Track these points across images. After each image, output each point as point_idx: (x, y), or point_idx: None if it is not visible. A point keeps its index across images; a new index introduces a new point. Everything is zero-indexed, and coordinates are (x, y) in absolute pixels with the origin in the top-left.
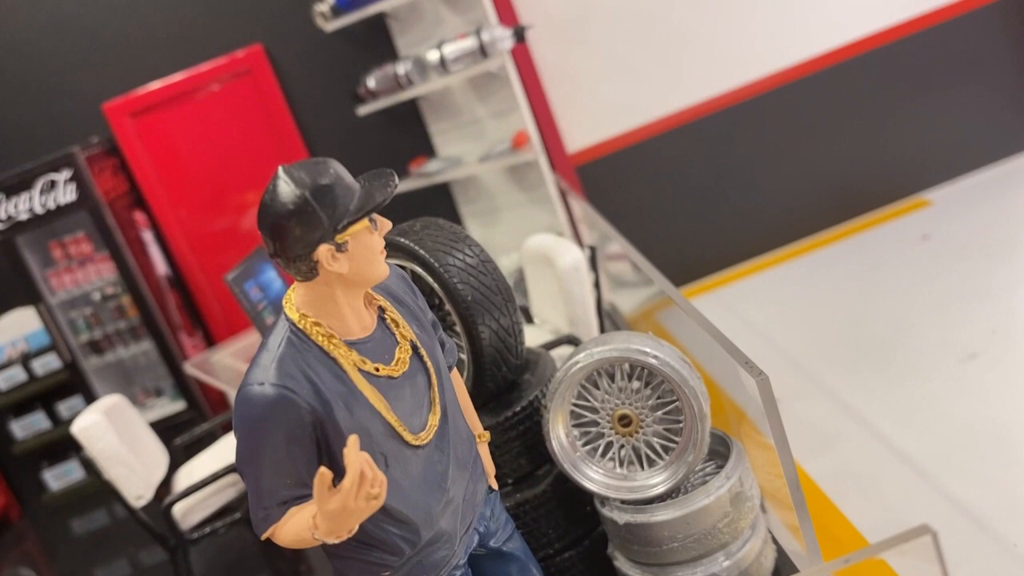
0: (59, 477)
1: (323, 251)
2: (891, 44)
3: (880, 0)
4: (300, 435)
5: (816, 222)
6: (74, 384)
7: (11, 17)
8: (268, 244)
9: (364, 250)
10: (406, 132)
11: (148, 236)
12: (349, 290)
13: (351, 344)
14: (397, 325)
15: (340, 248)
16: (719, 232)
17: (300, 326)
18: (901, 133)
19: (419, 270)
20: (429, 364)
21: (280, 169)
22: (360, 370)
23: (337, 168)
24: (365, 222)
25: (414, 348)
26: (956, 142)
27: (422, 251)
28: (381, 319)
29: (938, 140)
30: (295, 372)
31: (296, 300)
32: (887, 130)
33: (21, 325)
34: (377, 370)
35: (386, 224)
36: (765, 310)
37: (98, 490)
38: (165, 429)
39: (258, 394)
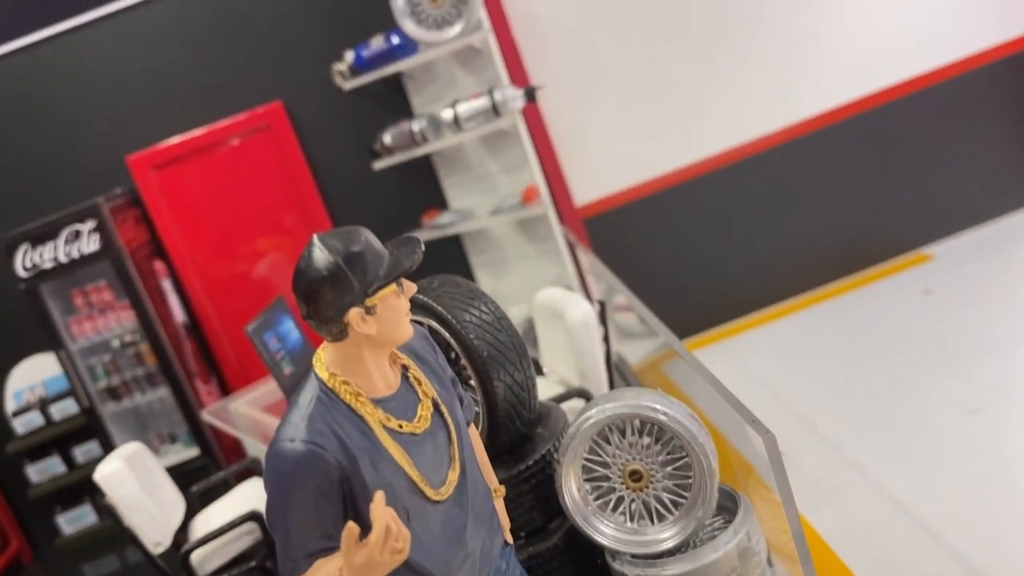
0: (72, 521)
1: (353, 314)
2: (892, 102)
3: (881, 60)
4: (328, 490)
5: (820, 276)
6: (90, 429)
7: (42, 73)
8: (302, 307)
9: (391, 312)
10: (420, 186)
11: (167, 284)
12: (376, 350)
13: (377, 402)
14: (419, 383)
15: (369, 311)
16: (724, 285)
17: (329, 385)
18: (903, 189)
19: (436, 325)
20: (449, 421)
21: (315, 237)
22: (385, 427)
23: (368, 236)
24: (393, 286)
25: (435, 405)
26: (957, 198)
27: (440, 308)
28: (404, 377)
29: (939, 196)
30: (324, 429)
31: (326, 359)
32: (889, 186)
33: (40, 370)
34: (401, 427)
35: (412, 287)
36: (770, 362)
37: (111, 535)
38: (179, 475)
39: (289, 450)
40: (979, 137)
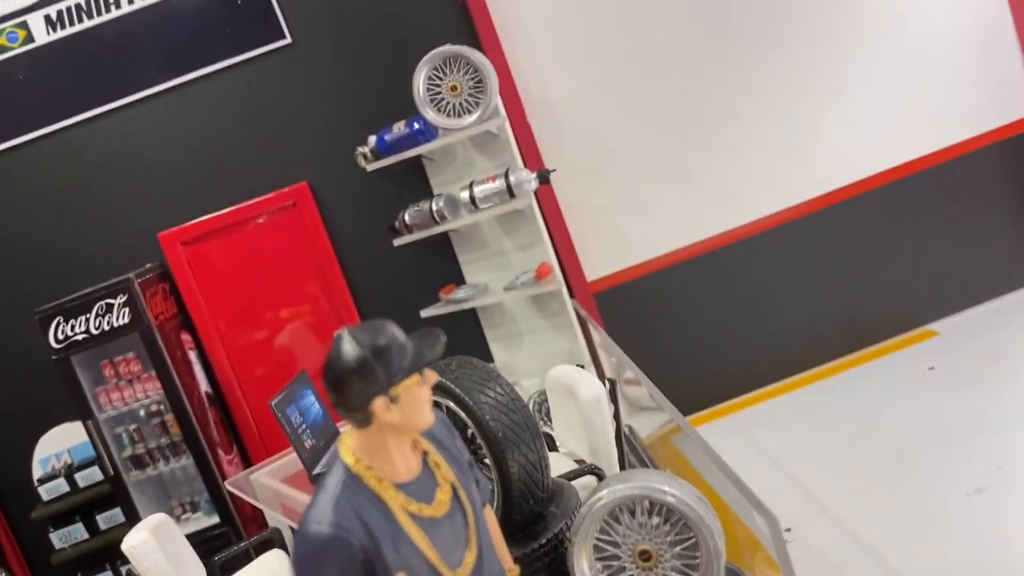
0: None
1: (379, 403)
2: (895, 182)
3: (884, 141)
4: (352, 571)
5: (825, 351)
6: (114, 497)
7: (79, 155)
8: (331, 395)
9: (414, 401)
10: (438, 261)
11: (193, 356)
12: (399, 437)
13: (399, 487)
14: (439, 467)
15: (393, 400)
16: (732, 359)
17: (355, 470)
18: (907, 266)
19: (454, 406)
20: (467, 504)
21: (345, 331)
22: (406, 511)
23: (393, 330)
24: (416, 377)
25: (453, 490)
26: (960, 276)
27: (457, 389)
28: (424, 462)
29: (943, 273)
30: (349, 513)
31: (351, 445)
32: (893, 263)
33: (68, 438)
34: (421, 511)
35: (433, 377)
36: (777, 436)
37: None
38: (200, 543)
39: (316, 532)
40: (982, 216)
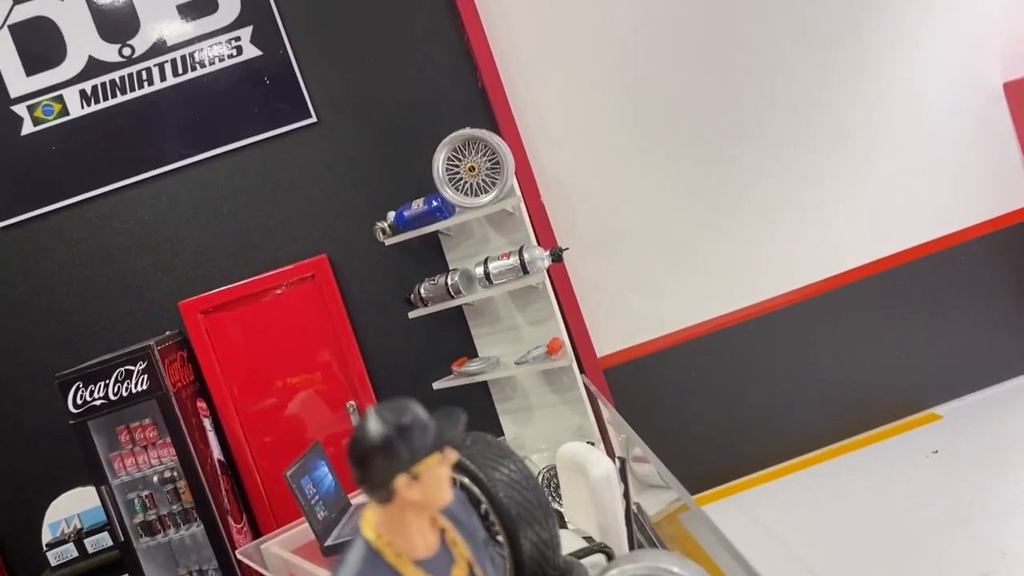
0: None
1: (401, 481)
2: (900, 266)
3: (889, 225)
4: None
5: (831, 433)
6: (123, 563)
7: (106, 224)
8: (355, 472)
9: (435, 479)
10: (451, 334)
11: (207, 423)
12: (418, 514)
13: (417, 563)
14: (456, 545)
15: (415, 478)
16: (739, 438)
17: (375, 546)
18: (912, 349)
19: (468, 482)
20: None
21: (370, 409)
22: None
23: (417, 409)
24: (437, 456)
25: (469, 567)
26: (964, 360)
27: (472, 465)
28: (442, 539)
29: (947, 357)
30: None
31: (373, 520)
32: (898, 346)
33: (79, 502)
34: None
35: (453, 456)
36: (783, 517)
37: None
38: None
39: None
40: (985, 302)
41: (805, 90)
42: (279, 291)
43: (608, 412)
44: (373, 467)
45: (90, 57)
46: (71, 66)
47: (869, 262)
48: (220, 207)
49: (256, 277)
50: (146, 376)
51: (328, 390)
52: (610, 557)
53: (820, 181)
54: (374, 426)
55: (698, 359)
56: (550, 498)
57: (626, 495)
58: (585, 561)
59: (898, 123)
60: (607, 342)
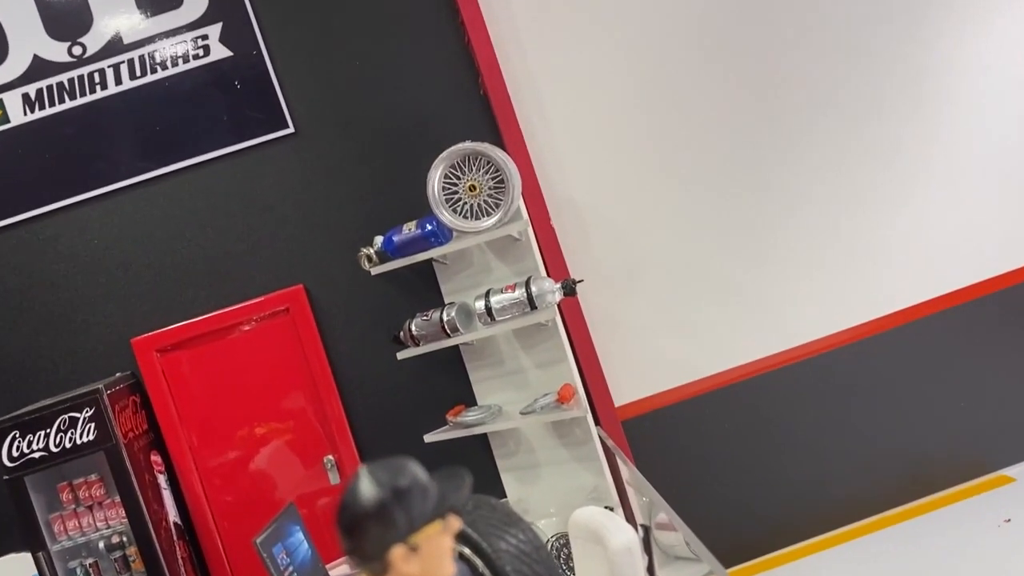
0: None
1: (397, 552)
2: (962, 306)
3: (950, 260)
4: None
5: (884, 498)
6: None
7: (50, 248)
8: (344, 541)
9: (435, 551)
10: (446, 378)
11: (162, 480)
12: None
13: None
14: None
15: (413, 549)
16: (778, 502)
17: None
18: (978, 401)
19: (469, 553)
20: None
21: (362, 469)
22: None
23: (415, 470)
24: (438, 524)
25: None
26: None
27: (475, 534)
28: None
29: (1019, 411)
30: None
31: None
32: (962, 397)
33: (11, 572)
34: None
35: (456, 524)
36: None
37: None
38: None
39: None
40: None
41: (852, 102)
42: (248, 327)
43: (628, 471)
44: (365, 536)
45: (35, 56)
46: (13, 66)
47: (926, 301)
48: (181, 230)
49: (221, 311)
50: (93, 425)
51: (303, 442)
52: None
53: (869, 206)
54: (367, 489)
55: (731, 410)
56: (562, 573)
57: (650, 569)
58: None
59: (960, 140)
60: (627, 389)
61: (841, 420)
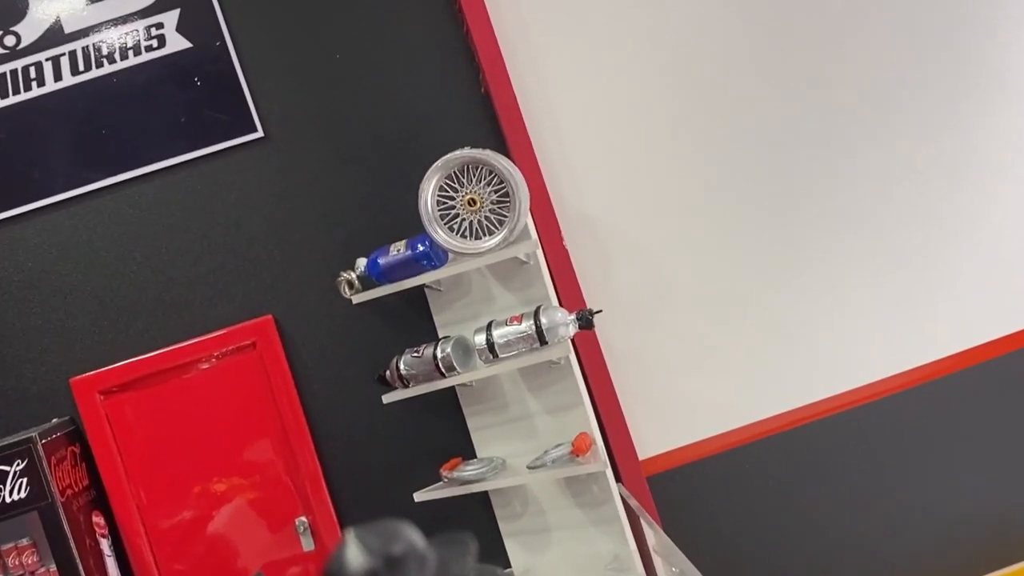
0: None
1: None
2: None
3: None
4: None
5: (962, 568)
6: None
7: None
8: None
9: None
10: (440, 425)
11: (105, 545)
12: None
13: None
14: None
15: None
16: (831, 572)
17: None
18: None
19: None
20: None
21: (350, 534)
22: None
23: (410, 535)
24: None
25: None
26: None
27: None
28: None
29: None
30: None
31: None
32: None
33: None
34: None
35: None
36: None
37: None
38: None
39: None
40: None
41: (920, 108)
42: (207, 365)
43: (655, 536)
44: None
45: None
46: None
47: (1005, 335)
48: (130, 251)
49: (176, 346)
50: (25, 480)
51: (270, 500)
52: None
53: (940, 225)
54: (355, 557)
55: (777, 465)
56: None
57: None
58: None
59: None
60: (653, 440)
61: (905, 475)
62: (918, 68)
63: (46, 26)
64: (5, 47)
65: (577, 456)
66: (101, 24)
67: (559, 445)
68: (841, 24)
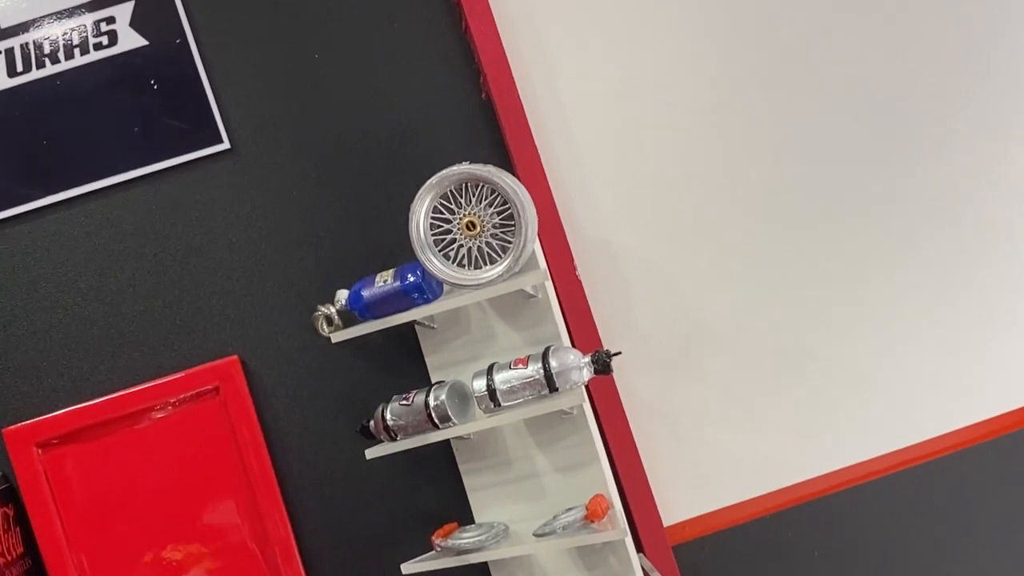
0: None
1: None
2: None
3: None
4: None
5: None
6: None
7: None
8: None
9: None
10: (433, 485)
11: None
12: None
13: None
14: None
15: None
16: None
17: None
18: None
19: None
20: None
21: None
22: None
23: None
24: None
25: None
26: None
27: None
28: None
29: None
30: None
31: None
32: None
33: None
34: None
35: None
36: None
37: None
38: None
39: None
40: None
41: (986, 123)
42: (162, 413)
43: None
44: None
45: None
46: None
47: None
48: (74, 280)
49: (127, 391)
50: None
51: (233, 571)
52: None
53: (1013, 256)
54: None
55: (821, 532)
56: None
57: None
58: None
59: None
60: (679, 503)
61: (973, 543)
62: (997, 65)
63: None
64: None
65: (592, 522)
66: (43, 18)
67: (571, 509)
68: (905, 23)
